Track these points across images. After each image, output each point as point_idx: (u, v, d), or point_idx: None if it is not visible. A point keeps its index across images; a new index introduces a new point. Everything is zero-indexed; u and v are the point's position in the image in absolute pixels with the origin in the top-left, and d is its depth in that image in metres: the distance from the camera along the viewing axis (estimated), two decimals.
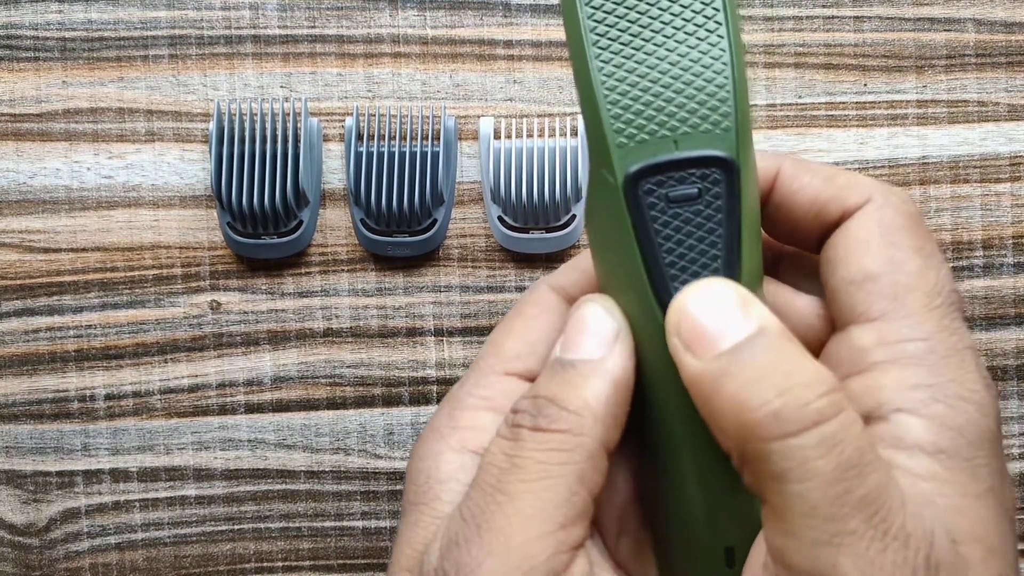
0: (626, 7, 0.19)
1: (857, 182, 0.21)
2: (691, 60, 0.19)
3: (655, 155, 0.19)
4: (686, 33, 0.19)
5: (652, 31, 0.19)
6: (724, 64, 0.19)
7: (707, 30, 0.19)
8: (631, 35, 0.19)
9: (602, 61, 0.19)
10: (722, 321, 0.18)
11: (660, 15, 0.19)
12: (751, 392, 0.17)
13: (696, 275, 0.19)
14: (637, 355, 0.20)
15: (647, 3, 0.19)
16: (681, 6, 0.19)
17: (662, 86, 0.19)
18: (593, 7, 0.19)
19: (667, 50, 0.19)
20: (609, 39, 0.19)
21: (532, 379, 0.22)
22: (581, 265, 0.23)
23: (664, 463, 0.21)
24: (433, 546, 0.20)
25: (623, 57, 0.19)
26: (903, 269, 0.19)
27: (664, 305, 0.19)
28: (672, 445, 0.20)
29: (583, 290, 0.22)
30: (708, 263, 0.19)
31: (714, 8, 0.19)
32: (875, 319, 0.19)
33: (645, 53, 0.19)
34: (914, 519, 0.17)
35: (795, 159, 0.22)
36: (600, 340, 0.20)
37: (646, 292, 0.19)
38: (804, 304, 0.21)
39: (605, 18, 0.19)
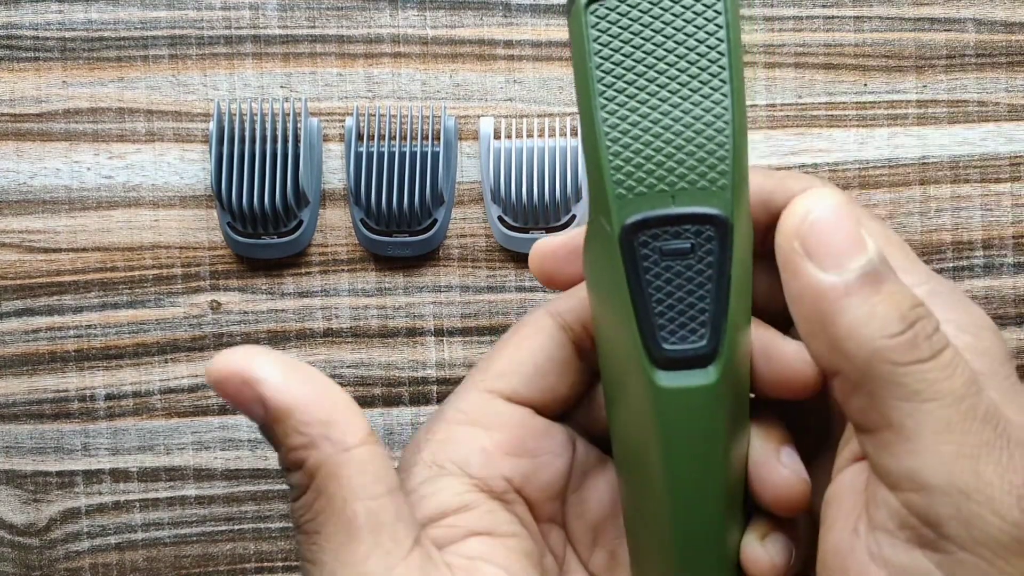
0: (634, 60, 0.19)
1: (796, 174, 0.22)
2: (693, 117, 0.19)
3: (652, 208, 0.19)
4: (691, 90, 0.19)
5: (658, 86, 0.19)
6: (725, 123, 0.19)
7: (711, 88, 0.19)
8: (637, 88, 0.19)
9: (607, 112, 0.19)
10: (849, 237, 0.18)
11: (667, 70, 0.19)
12: (885, 316, 0.18)
13: (683, 326, 0.19)
14: (620, 396, 0.21)
15: (655, 58, 0.19)
16: (688, 62, 0.19)
17: (663, 141, 0.19)
18: (602, 58, 0.19)
19: (671, 106, 0.19)
20: (616, 91, 0.19)
21: (510, 399, 0.22)
22: (582, 294, 0.23)
23: (642, 498, 0.21)
24: None
25: (628, 110, 0.19)
26: (870, 230, 0.20)
27: (651, 354, 0.19)
28: (649, 480, 0.20)
29: (580, 319, 0.23)
30: (696, 315, 0.19)
31: (720, 67, 0.19)
32: None
33: (650, 107, 0.19)
34: (1020, 430, 0.18)
35: None
36: None
37: (635, 338, 0.20)
38: (793, 350, 0.21)
39: (613, 69, 0.19)
